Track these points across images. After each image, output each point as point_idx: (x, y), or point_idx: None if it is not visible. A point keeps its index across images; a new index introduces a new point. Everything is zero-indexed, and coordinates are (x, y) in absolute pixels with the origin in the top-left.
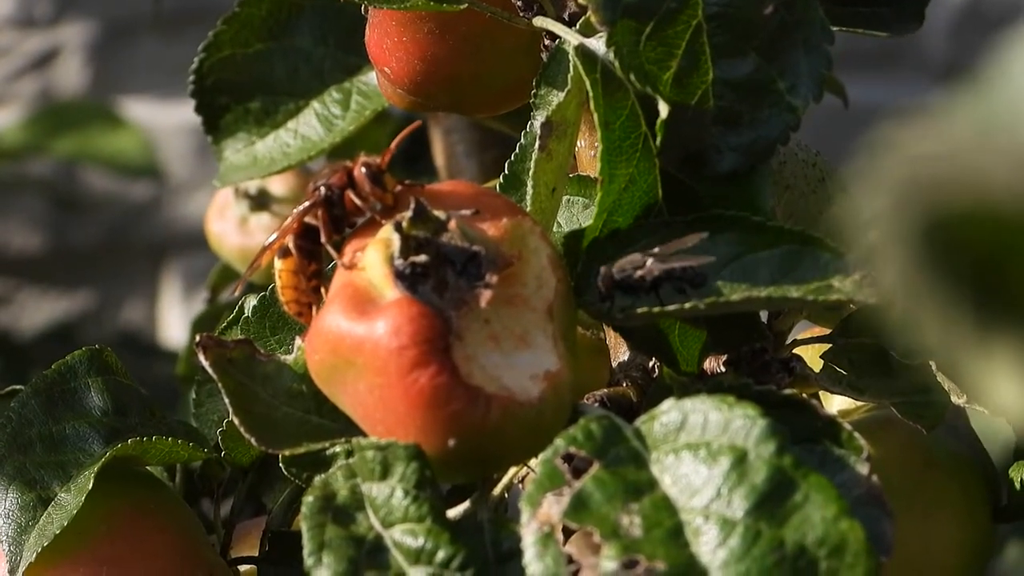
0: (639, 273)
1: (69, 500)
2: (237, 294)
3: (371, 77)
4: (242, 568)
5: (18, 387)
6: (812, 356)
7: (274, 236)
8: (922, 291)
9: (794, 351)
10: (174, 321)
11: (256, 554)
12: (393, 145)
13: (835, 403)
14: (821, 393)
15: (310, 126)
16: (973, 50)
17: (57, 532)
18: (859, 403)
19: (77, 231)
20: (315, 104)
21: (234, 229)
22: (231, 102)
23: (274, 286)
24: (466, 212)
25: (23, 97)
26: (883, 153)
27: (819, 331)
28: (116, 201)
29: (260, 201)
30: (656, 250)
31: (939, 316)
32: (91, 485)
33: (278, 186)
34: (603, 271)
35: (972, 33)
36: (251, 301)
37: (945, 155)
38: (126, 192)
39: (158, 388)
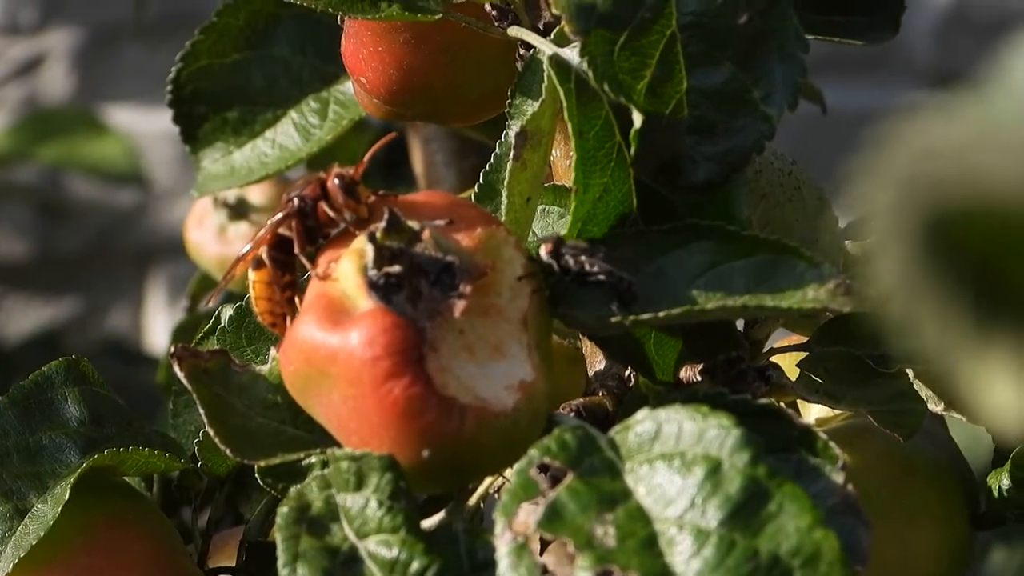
0: (584, 266)
1: (46, 511)
2: (212, 304)
3: (348, 86)
4: None
5: None
6: (789, 365)
7: (248, 247)
8: (921, 290)
9: (771, 360)
10: (159, 328)
11: (233, 564)
12: (367, 156)
13: (812, 412)
14: (799, 402)
15: (288, 135)
16: (959, 54)
17: (33, 543)
18: (836, 412)
19: (62, 238)
20: (293, 113)
21: (213, 238)
22: (209, 112)
23: (250, 296)
24: (440, 222)
25: (8, 104)
26: (884, 150)
27: (797, 339)
28: (101, 208)
29: (238, 210)
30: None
31: (937, 316)
32: (68, 496)
33: (256, 195)
34: (554, 240)
35: (958, 37)
36: (227, 311)
37: (946, 153)
38: (111, 199)
39: (143, 396)
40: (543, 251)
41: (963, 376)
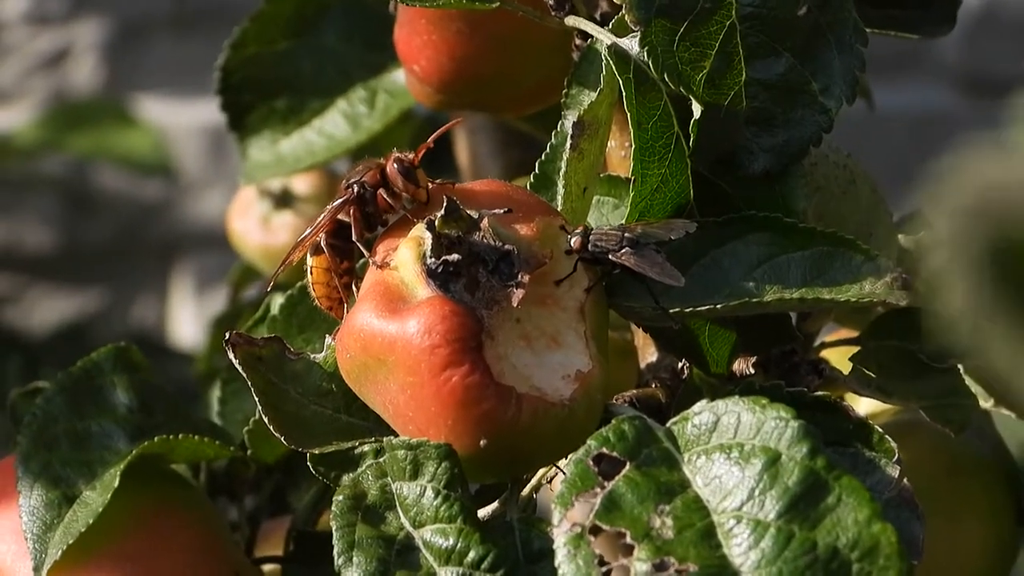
0: (610, 256)
1: (94, 498)
2: (268, 290)
3: (397, 75)
4: (266, 568)
5: (42, 384)
6: (838, 359)
7: (308, 232)
8: (989, 313)
9: (822, 353)
10: (185, 321)
11: (280, 553)
12: (430, 140)
13: (861, 406)
14: (848, 396)
15: (336, 124)
16: (989, 56)
17: (82, 530)
18: (885, 406)
19: (89, 230)
20: (341, 102)
21: (256, 227)
22: (257, 100)
23: (302, 283)
24: (498, 211)
25: (36, 95)
26: (950, 180)
27: (846, 333)
28: (128, 200)
29: (283, 200)
30: (639, 230)
31: (1006, 336)
32: (117, 483)
33: (301, 185)
34: (581, 230)
35: (988, 39)
36: (278, 299)
37: (1010, 183)
38: (138, 191)
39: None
40: (573, 243)
41: None
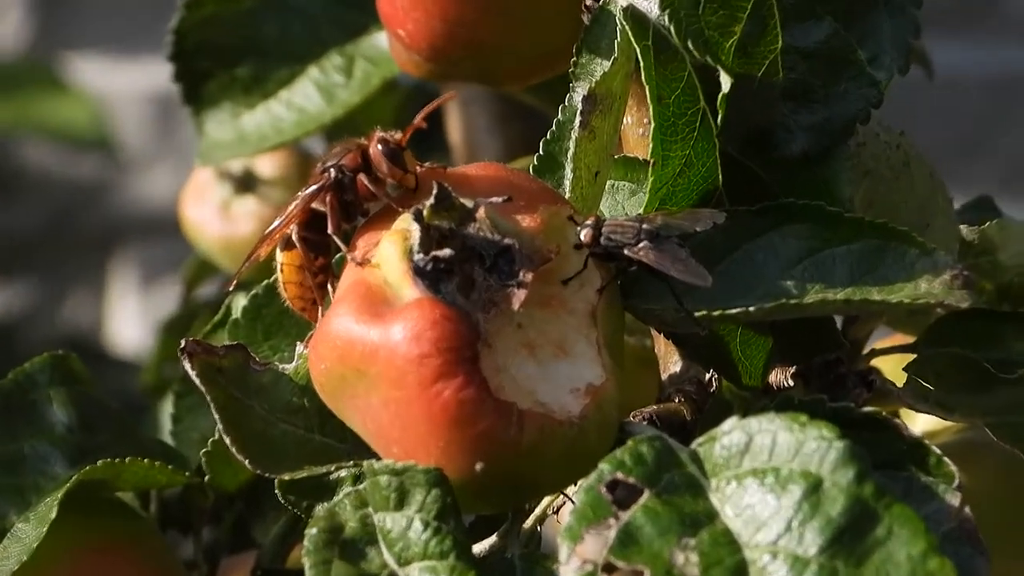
0: (626, 251)
1: (28, 531)
2: (230, 290)
3: (379, 39)
4: None
5: None
6: (891, 368)
7: (277, 223)
8: None
9: (871, 362)
10: (127, 322)
11: None
12: (420, 117)
13: (918, 424)
14: (903, 412)
15: (307, 96)
16: None
17: (14, 568)
18: (945, 424)
19: (14, 215)
20: (313, 70)
21: (214, 215)
22: (215, 67)
23: (269, 282)
24: (496, 199)
25: None
26: None
27: (899, 339)
28: (60, 179)
29: (245, 183)
30: (660, 221)
31: None
32: (54, 514)
33: (267, 166)
34: (593, 221)
35: None
36: (240, 300)
37: None
38: (72, 169)
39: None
40: (583, 236)
41: None
